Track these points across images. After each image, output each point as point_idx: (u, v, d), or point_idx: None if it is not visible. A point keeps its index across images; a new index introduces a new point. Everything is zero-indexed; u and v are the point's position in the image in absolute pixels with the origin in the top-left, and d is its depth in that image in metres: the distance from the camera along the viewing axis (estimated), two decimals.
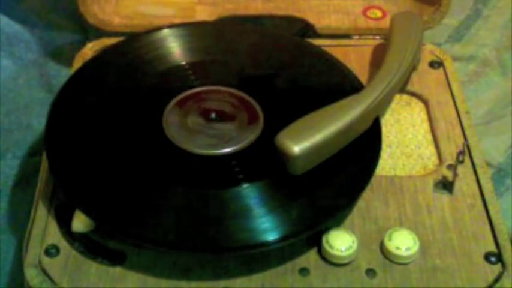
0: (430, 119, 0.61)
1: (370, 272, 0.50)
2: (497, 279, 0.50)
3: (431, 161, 0.58)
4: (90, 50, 0.66)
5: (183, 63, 0.61)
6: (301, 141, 0.51)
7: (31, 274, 0.49)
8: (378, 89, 0.56)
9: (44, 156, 0.55)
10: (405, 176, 0.57)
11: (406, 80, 0.62)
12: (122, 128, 0.55)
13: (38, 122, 0.70)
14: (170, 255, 0.50)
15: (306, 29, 0.69)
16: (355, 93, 0.55)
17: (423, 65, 0.65)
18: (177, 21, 0.67)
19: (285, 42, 0.64)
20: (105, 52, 0.62)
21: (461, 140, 0.58)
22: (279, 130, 0.51)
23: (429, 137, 0.60)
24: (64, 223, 0.52)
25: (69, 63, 0.67)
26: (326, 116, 0.53)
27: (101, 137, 0.54)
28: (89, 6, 0.67)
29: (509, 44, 0.77)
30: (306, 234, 0.51)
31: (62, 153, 0.53)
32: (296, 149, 0.50)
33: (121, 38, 0.64)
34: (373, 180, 0.54)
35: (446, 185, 0.55)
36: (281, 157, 0.51)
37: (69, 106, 0.56)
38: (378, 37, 0.68)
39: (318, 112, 0.53)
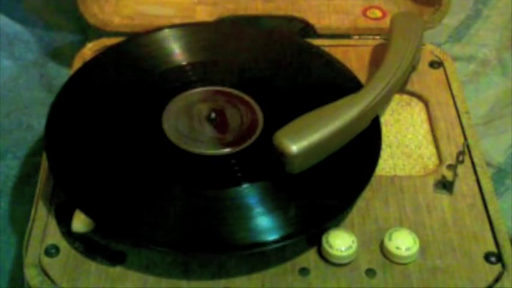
0: (430, 119, 0.61)
1: (370, 272, 0.50)
2: (497, 279, 0.50)
3: (431, 161, 0.58)
4: (90, 50, 0.66)
5: (183, 63, 0.61)
6: (299, 140, 0.51)
7: (31, 274, 0.49)
8: (377, 88, 0.56)
9: (44, 156, 0.55)
10: (405, 176, 0.57)
11: (406, 80, 0.62)
12: (122, 128, 0.55)
13: (38, 122, 0.70)
14: (170, 255, 0.50)
15: (306, 29, 0.69)
16: (354, 93, 0.55)
17: (423, 65, 0.65)
18: (177, 21, 0.67)
19: (285, 42, 0.64)
20: (105, 52, 0.62)
21: (461, 140, 0.58)
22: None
23: (429, 137, 0.60)
24: (64, 223, 0.52)
25: (69, 63, 0.67)
26: (324, 115, 0.53)
27: (101, 137, 0.54)
28: (89, 6, 0.67)
29: (509, 44, 0.77)
30: (306, 235, 0.51)
31: (62, 154, 0.53)
32: (294, 148, 0.50)
33: (121, 38, 0.64)
34: (373, 180, 0.54)
35: (446, 185, 0.55)
36: (279, 156, 0.51)
37: (69, 106, 0.56)
38: (378, 37, 0.68)
39: (316, 111, 0.53)
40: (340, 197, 0.52)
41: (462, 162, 0.55)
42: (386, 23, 0.67)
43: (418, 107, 0.63)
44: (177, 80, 0.59)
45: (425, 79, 0.64)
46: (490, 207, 0.54)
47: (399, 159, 0.58)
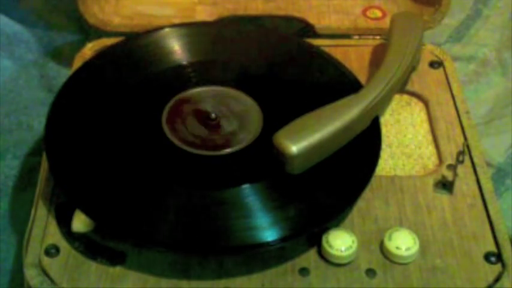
0: (430, 119, 0.61)
1: (370, 272, 0.50)
2: (497, 279, 0.50)
3: (431, 161, 0.58)
4: (90, 50, 0.66)
5: (183, 63, 0.61)
6: (299, 141, 0.51)
7: (31, 274, 0.49)
8: (377, 88, 0.56)
9: (44, 156, 0.55)
10: (405, 176, 0.57)
11: (406, 80, 0.62)
12: (122, 128, 0.55)
13: (38, 122, 0.70)
14: (170, 255, 0.50)
15: (306, 29, 0.70)
16: (353, 93, 0.55)
17: (423, 65, 0.65)
18: (177, 21, 0.67)
19: (285, 42, 0.64)
20: (105, 52, 0.62)
21: (461, 140, 0.58)
22: (278, 130, 0.52)
23: (429, 137, 0.60)
24: (64, 223, 0.52)
25: (69, 63, 0.67)
26: (324, 116, 0.53)
27: (101, 137, 0.54)
28: (89, 6, 0.67)
29: (509, 44, 0.77)
30: (306, 235, 0.51)
31: (62, 153, 0.53)
32: (294, 148, 0.50)
33: (121, 38, 0.64)
34: (373, 180, 0.54)
35: (446, 185, 0.55)
36: (279, 156, 0.51)
37: (69, 106, 0.56)
38: (378, 37, 0.68)
39: (316, 112, 0.53)
40: (340, 197, 0.52)
41: (462, 162, 0.55)
42: (386, 23, 0.67)
43: (418, 107, 0.63)
44: (177, 80, 0.59)
45: (425, 79, 0.64)
46: (490, 207, 0.54)
47: (399, 159, 0.58)
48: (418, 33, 0.62)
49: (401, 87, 0.61)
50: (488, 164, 0.65)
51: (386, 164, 0.58)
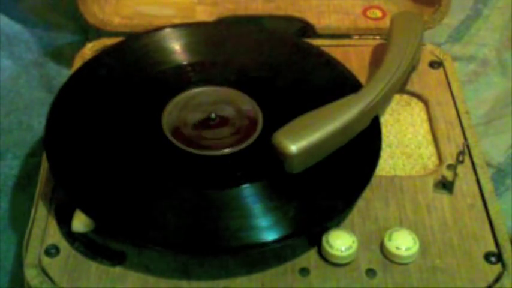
0: (430, 119, 0.61)
1: (370, 272, 0.50)
2: (497, 279, 0.50)
3: (431, 161, 0.58)
4: (90, 50, 0.66)
5: (183, 63, 0.61)
6: (298, 140, 0.51)
7: (31, 274, 0.49)
8: (377, 88, 0.56)
9: (44, 156, 0.55)
10: (405, 176, 0.57)
11: (406, 80, 0.62)
12: (122, 128, 0.55)
13: (38, 122, 0.70)
14: (170, 255, 0.50)
15: (306, 29, 0.70)
16: (353, 93, 0.55)
17: (423, 65, 0.65)
18: (177, 21, 0.67)
19: (285, 42, 0.64)
20: (105, 52, 0.62)
21: (461, 140, 0.58)
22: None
23: (429, 137, 0.60)
24: (64, 223, 0.52)
25: (69, 63, 0.67)
26: (324, 115, 0.53)
27: (101, 137, 0.54)
28: (89, 6, 0.67)
29: (509, 44, 0.77)
30: (306, 235, 0.51)
31: (62, 153, 0.53)
32: (293, 147, 0.50)
33: (121, 38, 0.64)
34: (373, 180, 0.54)
35: (446, 185, 0.55)
36: (278, 156, 0.51)
37: (69, 106, 0.56)
38: (378, 37, 0.68)
39: (315, 111, 0.53)
40: (341, 197, 0.52)
41: (462, 162, 0.55)
42: (386, 23, 0.67)
43: (418, 107, 0.63)
44: (177, 80, 0.59)
45: (425, 79, 0.64)
46: (490, 207, 0.54)
47: (399, 159, 0.58)
48: (418, 33, 0.62)
49: (402, 87, 0.62)
50: (488, 164, 0.65)
51: (386, 164, 0.58)
